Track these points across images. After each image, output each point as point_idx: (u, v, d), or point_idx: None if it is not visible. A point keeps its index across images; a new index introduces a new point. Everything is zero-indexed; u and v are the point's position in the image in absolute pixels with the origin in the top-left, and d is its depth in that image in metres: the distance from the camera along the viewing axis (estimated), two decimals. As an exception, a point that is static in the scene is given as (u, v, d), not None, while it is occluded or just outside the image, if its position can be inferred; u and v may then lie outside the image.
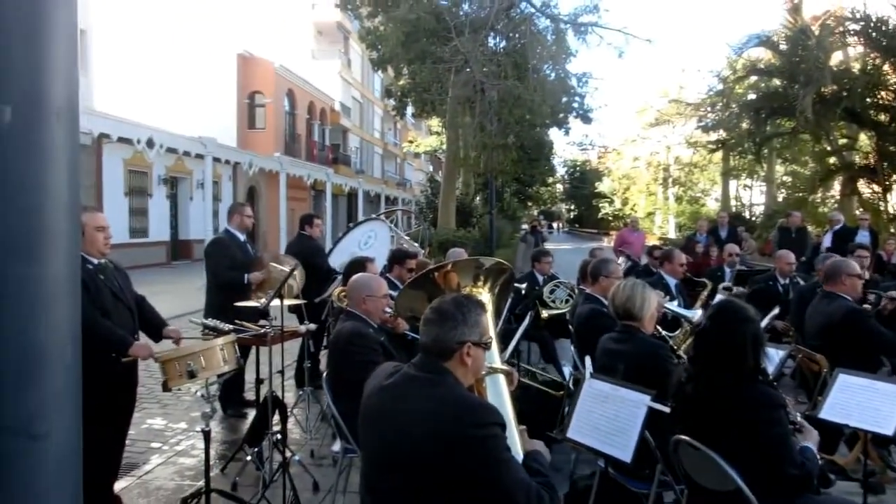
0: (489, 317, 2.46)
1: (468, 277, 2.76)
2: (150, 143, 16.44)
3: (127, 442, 4.85)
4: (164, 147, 17.00)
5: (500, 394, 2.54)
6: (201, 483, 3.88)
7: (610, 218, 62.48)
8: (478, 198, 25.35)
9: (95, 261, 3.78)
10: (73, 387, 1.37)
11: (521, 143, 20.86)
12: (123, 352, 3.65)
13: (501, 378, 2.60)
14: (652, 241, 22.35)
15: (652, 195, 50.49)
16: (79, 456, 1.41)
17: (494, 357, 2.59)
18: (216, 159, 22.61)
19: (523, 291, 6.88)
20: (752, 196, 39.01)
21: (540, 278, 7.59)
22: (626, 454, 2.85)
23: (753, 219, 28.88)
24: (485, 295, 2.72)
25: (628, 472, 3.40)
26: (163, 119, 24.55)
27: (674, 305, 5.52)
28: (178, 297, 11.54)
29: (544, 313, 6.99)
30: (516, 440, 2.44)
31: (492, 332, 2.47)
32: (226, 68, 30.95)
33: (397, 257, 5.79)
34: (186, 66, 30.53)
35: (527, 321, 4.53)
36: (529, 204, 49.07)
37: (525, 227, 20.76)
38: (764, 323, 5.63)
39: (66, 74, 1.32)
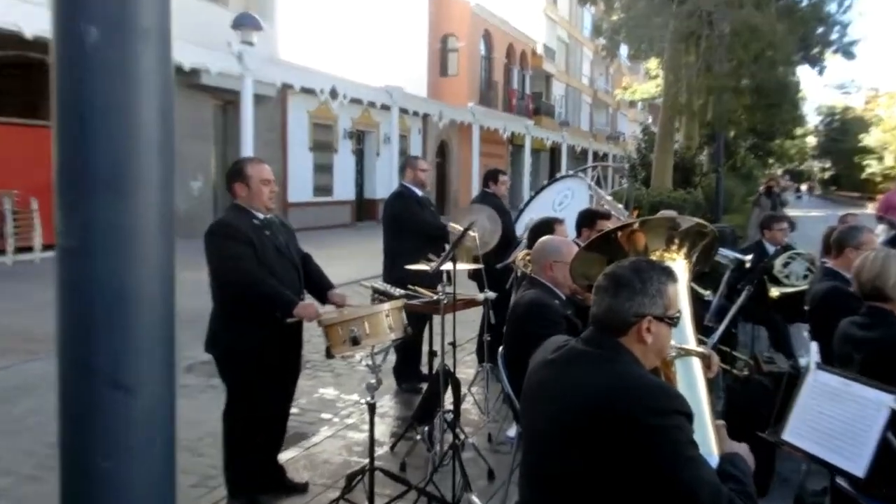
0: (681, 287, 2.34)
1: (659, 239, 2.64)
2: (333, 94, 17.44)
3: (296, 411, 5.28)
4: (347, 97, 17.96)
5: (692, 381, 2.42)
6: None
7: (878, 179, 57.13)
8: (703, 153, 24.17)
9: (261, 215, 4.06)
10: (164, 336, 1.47)
11: (757, 86, 19.50)
12: (288, 312, 3.90)
13: (695, 362, 2.47)
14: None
15: (938, 149, 45.36)
16: (171, 412, 1.52)
17: (687, 336, 2.48)
18: (403, 111, 23.63)
19: (748, 264, 6.49)
20: None
21: (770, 248, 7.12)
22: (857, 466, 2.59)
23: None
24: (678, 262, 2.59)
25: (867, 489, 3.10)
26: (348, 68, 25.87)
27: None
28: (360, 261, 12.19)
29: (774, 291, 6.57)
30: (710, 438, 2.31)
31: (683, 307, 2.35)
32: (416, 10, 31.90)
33: (586, 218, 5.67)
34: (374, 10, 31.84)
35: (742, 298, 4.26)
36: (770, 161, 46.08)
37: (761, 188, 19.49)
38: None
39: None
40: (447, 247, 5.26)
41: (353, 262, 12.43)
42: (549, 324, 3.70)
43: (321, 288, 4.39)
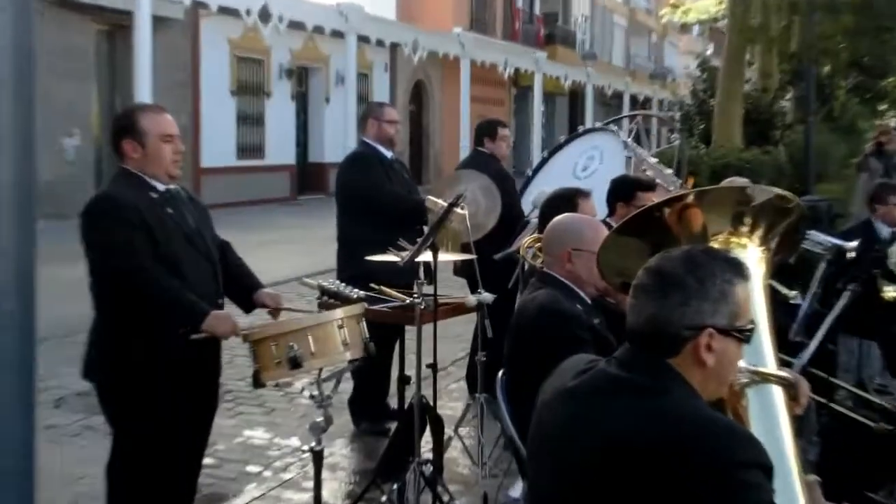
0: (755, 288, 2.36)
1: (724, 219, 2.67)
2: (264, 16, 17.35)
3: (211, 461, 5.27)
4: (284, 21, 17.88)
5: (771, 419, 2.46)
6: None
7: None
8: (786, 97, 24.31)
9: (161, 186, 4.03)
10: (20, 356, 1.46)
11: (862, 1, 19.63)
12: (195, 326, 3.87)
13: (776, 392, 2.50)
14: None
15: None
16: (30, 462, 1.51)
17: (765, 356, 2.51)
18: (363, 39, 23.55)
19: (851, 253, 6.55)
20: None
21: (883, 231, 7.19)
22: None
23: None
24: (750, 250, 2.63)
25: None
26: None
27: None
28: (303, 250, 12.20)
29: (890, 292, 6.64)
30: (798, 499, 2.34)
31: (758, 315, 2.36)
32: None
33: (622, 189, 5.70)
34: None
35: (843, 302, 4.30)
36: (882, 108, 46.46)
37: (868, 146, 19.66)
38: None
39: None
40: (425, 230, 5.25)
41: (294, 251, 12.45)
42: (568, 337, 3.71)
43: (245, 289, 4.37)
